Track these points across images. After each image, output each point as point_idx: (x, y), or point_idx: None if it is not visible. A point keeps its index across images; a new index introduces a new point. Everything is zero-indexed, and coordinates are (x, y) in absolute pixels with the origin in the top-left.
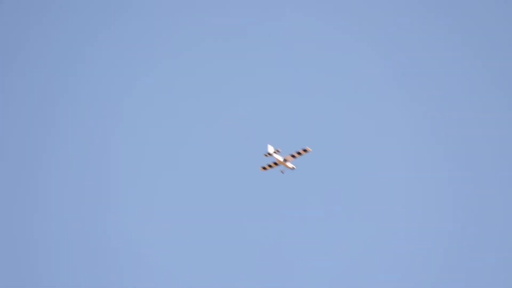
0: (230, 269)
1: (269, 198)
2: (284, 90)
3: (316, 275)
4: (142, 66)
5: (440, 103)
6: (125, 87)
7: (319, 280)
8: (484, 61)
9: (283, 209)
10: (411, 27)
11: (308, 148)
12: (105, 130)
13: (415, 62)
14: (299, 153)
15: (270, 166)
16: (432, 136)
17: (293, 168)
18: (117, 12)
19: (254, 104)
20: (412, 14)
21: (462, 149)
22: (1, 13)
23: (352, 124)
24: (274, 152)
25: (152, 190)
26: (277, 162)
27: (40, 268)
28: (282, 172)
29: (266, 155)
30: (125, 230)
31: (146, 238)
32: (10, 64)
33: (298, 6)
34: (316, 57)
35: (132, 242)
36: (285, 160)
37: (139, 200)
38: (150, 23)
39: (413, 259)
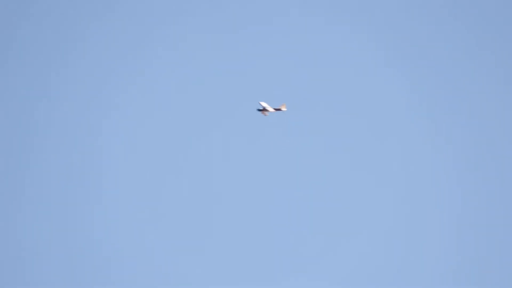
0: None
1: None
2: (282, 89)
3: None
4: (140, 64)
5: (440, 102)
6: (124, 86)
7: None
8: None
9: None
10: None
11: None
12: (101, 128)
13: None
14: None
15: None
16: (434, 137)
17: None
18: (116, 12)
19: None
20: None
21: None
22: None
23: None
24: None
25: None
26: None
27: (36, 268)
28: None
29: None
30: (122, 228)
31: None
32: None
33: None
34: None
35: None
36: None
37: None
38: (149, 21)
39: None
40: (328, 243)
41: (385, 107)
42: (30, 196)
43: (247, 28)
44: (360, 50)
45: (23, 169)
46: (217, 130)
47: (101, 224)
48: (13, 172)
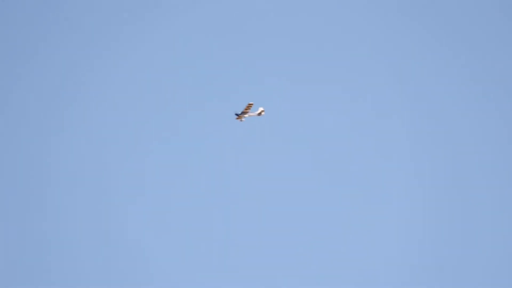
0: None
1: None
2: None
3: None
4: (141, 64)
5: (434, 105)
6: (124, 86)
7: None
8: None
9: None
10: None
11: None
12: (104, 129)
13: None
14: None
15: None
16: (428, 139)
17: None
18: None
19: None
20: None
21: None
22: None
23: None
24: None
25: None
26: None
27: (41, 267)
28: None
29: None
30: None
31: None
32: (11, 66)
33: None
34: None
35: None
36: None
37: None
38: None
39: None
40: (319, 246)
41: (379, 111)
42: (40, 197)
43: (241, 30)
44: (357, 52)
45: (39, 171)
46: (214, 132)
47: (107, 225)
48: (33, 174)
